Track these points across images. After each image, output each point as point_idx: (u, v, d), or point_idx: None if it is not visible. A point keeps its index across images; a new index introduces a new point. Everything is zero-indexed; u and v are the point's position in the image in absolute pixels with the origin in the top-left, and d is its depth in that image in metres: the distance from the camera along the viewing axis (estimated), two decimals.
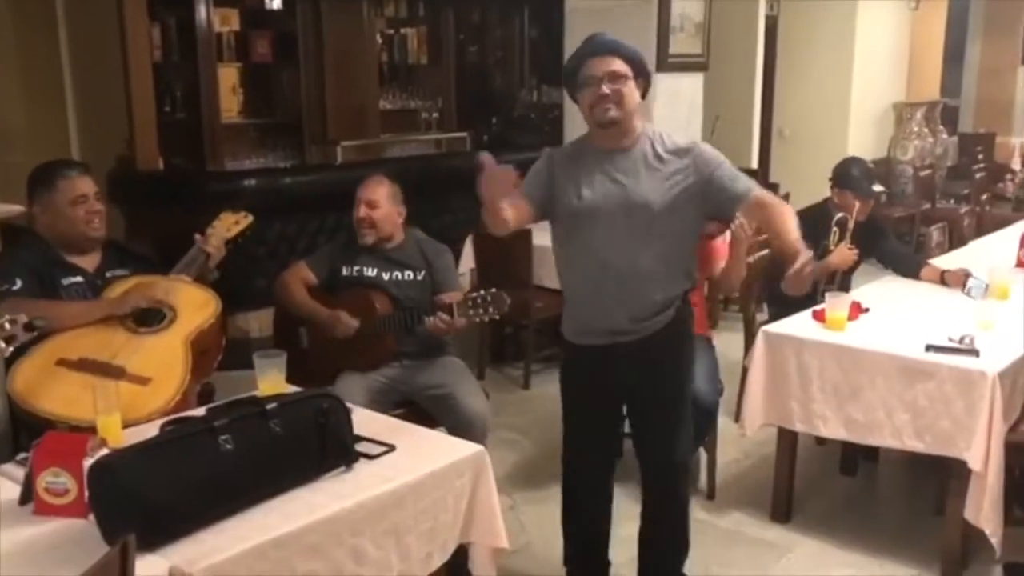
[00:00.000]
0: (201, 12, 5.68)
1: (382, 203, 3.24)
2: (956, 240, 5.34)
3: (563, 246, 2.62)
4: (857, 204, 3.79)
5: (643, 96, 2.52)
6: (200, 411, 2.15)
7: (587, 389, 2.68)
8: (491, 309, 2.91)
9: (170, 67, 5.81)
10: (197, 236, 3.06)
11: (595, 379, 2.64)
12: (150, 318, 2.73)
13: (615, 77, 2.43)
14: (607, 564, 2.89)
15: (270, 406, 1.97)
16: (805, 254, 2.33)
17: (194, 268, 3.00)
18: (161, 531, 1.72)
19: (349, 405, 2.22)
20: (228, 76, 6.30)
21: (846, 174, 3.91)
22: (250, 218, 3.20)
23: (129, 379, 2.50)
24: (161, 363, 2.59)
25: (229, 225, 3.14)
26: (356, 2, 6.71)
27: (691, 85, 5.66)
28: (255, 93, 6.53)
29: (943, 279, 3.76)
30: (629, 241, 2.46)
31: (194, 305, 2.80)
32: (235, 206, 3.27)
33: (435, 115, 7.72)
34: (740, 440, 3.70)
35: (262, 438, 1.92)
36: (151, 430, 2.01)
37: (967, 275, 3.67)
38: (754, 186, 2.49)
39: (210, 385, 2.99)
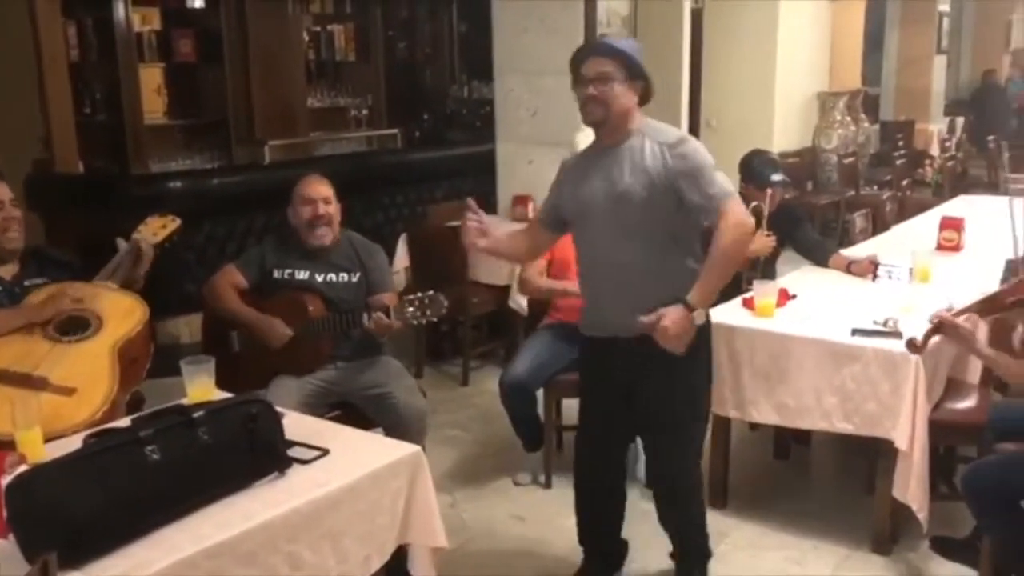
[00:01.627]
0: (119, 11, 5.54)
1: (333, 199, 3.21)
2: (879, 225, 5.48)
3: (574, 243, 2.74)
4: (768, 192, 3.87)
5: (645, 97, 2.56)
6: (124, 422, 2.09)
7: (594, 381, 2.77)
8: (428, 312, 2.89)
9: (88, 67, 5.66)
10: (120, 240, 2.98)
11: (599, 372, 2.72)
12: (74, 327, 2.66)
13: (602, 79, 2.47)
14: (623, 543, 2.98)
15: (197, 414, 1.93)
16: (669, 315, 2.42)
17: (121, 273, 2.92)
18: (85, 547, 1.67)
19: (281, 410, 2.19)
20: (151, 76, 6.16)
21: (747, 166, 4.00)
22: (177, 221, 3.13)
23: (53, 390, 2.43)
24: (87, 373, 2.52)
25: (156, 229, 3.07)
26: None
27: None
28: (179, 93, 6.40)
29: (849, 268, 3.86)
30: (617, 235, 2.52)
31: (120, 312, 2.73)
32: (161, 209, 3.20)
33: (365, 112, 7.66)
34: None
35: (190, 447, 1.88)
36: (75, 443, 1.96)
37: (874, 264, 3.77)
38: (726, 202, 2.44)
39: (139, 394, 2.92)
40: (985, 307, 2.64)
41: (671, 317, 2.42)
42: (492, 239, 2.76)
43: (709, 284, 2.47)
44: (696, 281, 2.48)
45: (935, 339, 2.69)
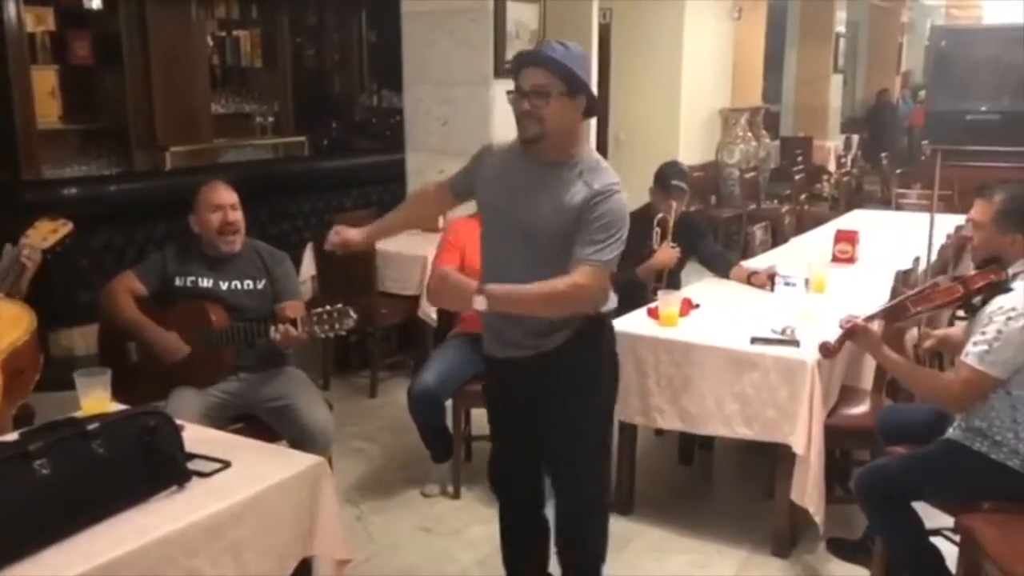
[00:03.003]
0: (10, 10, 5.31)
1: (238, 205, 3.14)
2: (779, 238, 5.66)
3: (482, 253, 2.56)
4: (673, 203, 3.97)
5: (588, 112, 2.37)
6: (13, 435, 2.00)
7: (498, 404, 2.63)
8: (336, 325, 2.84)
9: None
10: (8, 245, 2.85)
11: (500, 394, 2.59)
12: None
13: (537, 93, 2.27)
14: None
15: (91, 426, 1.86)
16: None
17: (7, 281, 2.79)
18: None
19: (181, 422, 2.13)
20: (44, 79, 5.93)
21: (658, 171, 4.15)
22: (69, 225, 3.01)
23: None
24: None
25: (46, 234, 2.95)
26: (184, 2, 6.46)
27: None
28: (75, 97, 6.18)
29: (750, 280, 3.98)
30: (520, 257, 2.36)
31: (5, 321, 2.61)
32: (55, 215, 3.08)
33: (271, 119, 7.54)
34: None
35: (83, 460, 1.81)
36: None
37: (772, 275, 3.91)
38: (583, 266, 2.27)
39: (29, 408, 2.79)
40: (892, 314, 2.76)
41: (453, 274, 2.36)
42: (367, 228, 2.69)
43: (512, 294, 2.29)
44: (585, 313, 2.38)
45: (846, 343, 2.79)
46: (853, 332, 2.72)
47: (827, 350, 2.78)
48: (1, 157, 5.39)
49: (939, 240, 4.69)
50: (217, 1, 7.03)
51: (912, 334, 3.16)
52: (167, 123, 6.29)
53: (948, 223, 5.12)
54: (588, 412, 2.50)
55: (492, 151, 2.53)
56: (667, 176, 4.07)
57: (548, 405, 2.48)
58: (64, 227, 2.97)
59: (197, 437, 2.20)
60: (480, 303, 2.27)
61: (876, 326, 2.73)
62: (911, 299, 2.73)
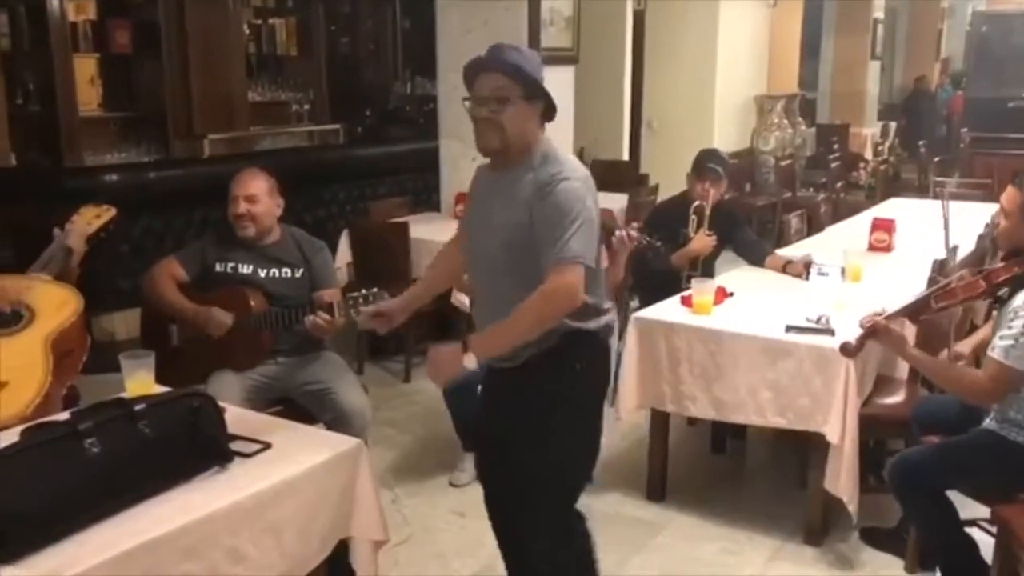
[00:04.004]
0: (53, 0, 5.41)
1: (261, 197, 3.17)
2: (814, 226, 5.62)
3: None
4: (711, 190, 3.96)
5: (546, 115, 2.24)
6: (64, 415, 2.06)
7: (478, 413, 2.55)
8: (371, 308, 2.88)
9: (21, 57, 5.51)
10: (56, 230, 2.92)
11: (482, 402, 2.51)
12: (5, 320, 2.60)
13: (496, 100, 2.16)
14: None
15: (138, 407, 1.91)
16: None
17: (54, 266, 2.87)
18: (21, 542, 1.64)
19: (222, 404, 2.17)
20: (86, 67, 6.02)
21: (696, 160, 4.13)
22: (112, 211, 3.08)
23: None
24: (18, 365, 2.47)
25: (90, 219, 3.02)
26: None
27: (562, 78, 5.74)
28: (115, 85, 6.27)
29: (785, 268, 3.96)
30: (491, 266, 2.27)
31: (53, 304, 2.68)
32: (97, 202, 3.14)
33: (306, 107, 7.59)
34: (616, 423, 3.80)
35: (130, 440, 1.86)
36: (12, 436, 1.92)
37: (807, 264, 3.89)
38: (559, 266, 2.10)
39: (75, 390, 2.87)
40: (914, 311, 2.73)
41: (441, 348, 2.27)
42: (402, 299, 2.50)
43: (495, 337, 2.20)
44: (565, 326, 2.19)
45: (868, 342, 2.77)
46: (874, 331, 2.68)
47: (848, 350, 2.75)
48: (44, 144, 5.49)
49: (978, 230, 4.64)
50: None
51: (943, 356, 3.11)
52: (204, 111, 6.36)
53: (987, 212, 5.04)
54: (544, 424, 2.27)
55: (479, 173, 2.42)
56: (704, 161, 4.06)
57: (508, 418, 2.32)
58: (107, 213, 3.04)
59: (238, 419, 2.25)
60: (471, 361, 2.25)
61: (898, 324, 2.70)
62: (934, 295, 2.70)
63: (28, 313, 2.62)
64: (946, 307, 2.70)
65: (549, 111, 2.25)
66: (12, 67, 5.34)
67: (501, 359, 2.27)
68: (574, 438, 2.32)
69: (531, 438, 2.28)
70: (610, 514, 3.44)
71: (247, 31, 7.06)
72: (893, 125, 12.18)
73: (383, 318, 2.46)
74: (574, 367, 2.25)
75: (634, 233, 3.09)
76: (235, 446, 2.10)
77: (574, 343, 2.22)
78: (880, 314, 2.71)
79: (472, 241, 2.35)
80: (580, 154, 6.96)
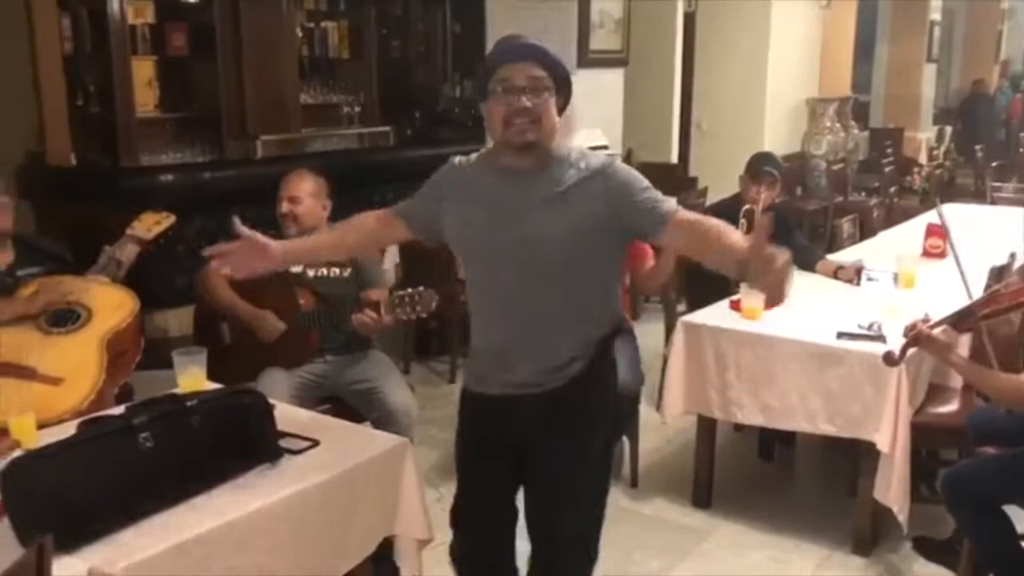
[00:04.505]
0: (114, 3, 5.51)
1: (304, 198, 3.22)
2: (866, 231, 5.53)
3: (467, 278, 2.24)
4: (763, 192, 3.92)
5: (560, 114, 2.07)
6: (118, 409, 2.11)
7: (483, 444, 2.21)
8: (419, 308, 2.91)
9: (82, 60, 5.64)
10: (106, 247, 3.00)
11: (491, 433, 2.18)
12: (64, 318, 2.67)
13: (537, 89, 1.99)
14: None
15: (190, 403, 1.95)
16: (779, 255, 1.79)
17: (107, 273, 2.95)
18: (79, 531, 1.69)
19: (272, 401, 2.21)
20: (143, 69, 6.13)
21: (750, 162, 4.10)
22: (172, 218, 3.15)
23: (40, 379, 2.45)
24: (74, 363, 2.54)
25: (150, 225, 3.09)
26: None
27: (612, 81, 5.75)
28: (171, 87, 6.38)
29: (836, 274, 3.90)
30: (530, 282, 2.03)
31: (110, 305, 2.75)
32: (152, 202, 3.22)
33: (357, 109, 7.65)
34: (661, 428, 3.78)
35: (183, 435, 1.90)
36: (69, 430, 1.97)
37: (859, 269, 3.83)
38: (678, 208, 2.04)
39: (128, 386, 2.94)
40: (959, 319, 2.66)
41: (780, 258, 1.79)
42: (284, 245, 2.29)
43: (737, 234, 1.96)
44: (602, 334, 2.11)
45: (911, 351, 2.71)
46: (917, 340, 2.63)
47: (891, 359, 2.69)
48: (103, 145, 5.61)
49: None
50: None
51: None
52: (258, 112, 6.44)
53: None
54: (589, 445, 2.14)
55: (462, 170, 2.19)
56: (759, 163, 4.03)
57: (545, 442, 2.13)
58: (167, 219, 3.11)
59: (287, 416, 2.28)
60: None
61: (943, 333, 2.64)
62: (978, 303, 2.63)
63: (86, 313, 2.69)
64: (991, 314, 2.62)
65: (564, 106, 2.09)
66: (73, 69, 5.46)
67: (533, 386, 2.08)
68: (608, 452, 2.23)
69: (586, 461, 2.14)
70: (655, 519, 3.43)
71: (300, 34, 7.15)
72: (949, 129, 11.95)
73: (256, 247, 2.18)
74: (608, 379, 2.17)
75: None
76: (284, 443, 2.13)
77: (604, 353, 2.13)
78: (926, 321, 2.66)
79: (495, 258, 2.05)
80: (628, 156, 6.93)
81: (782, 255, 1.79)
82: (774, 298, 1.84)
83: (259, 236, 2.21)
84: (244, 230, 2.20)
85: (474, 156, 2.21)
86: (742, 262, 1.84)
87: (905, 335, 2.66)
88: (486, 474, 2.22)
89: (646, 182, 2.06)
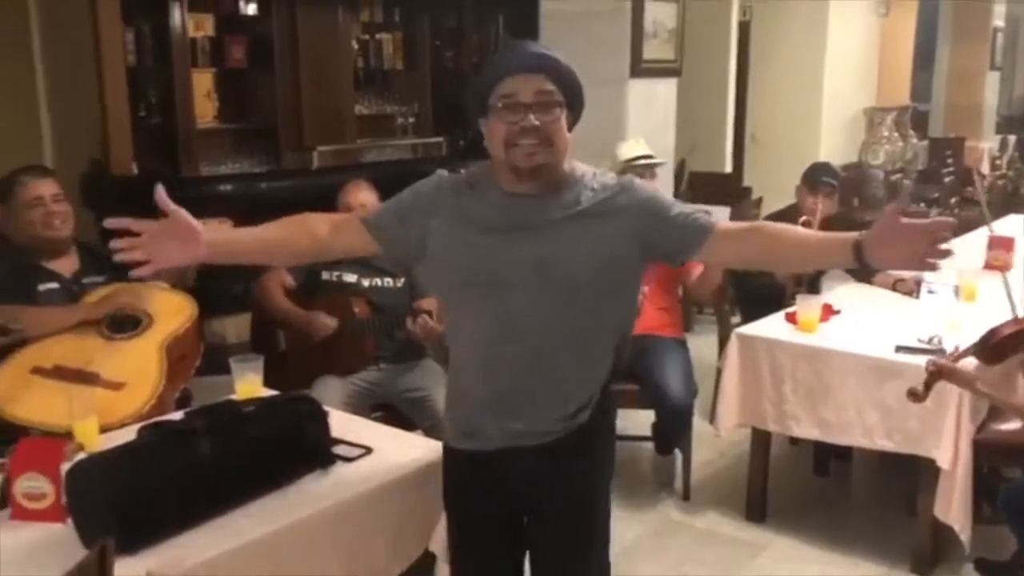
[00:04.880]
0: (176, 18, 5.66)
1: (370, 207, 3.26)
2: None
3: (450, 314, 1.98)
4: (820, 203, 3.87)
5: (570, 130, 1.86)
6: (178, 415, 2.15)
7: (480, 508, 1.97)
8: None
9: (144, 72, 5.78)
10: None
11: (487, 495, 1.94)
12: (125, 324, 2.73)
13: (547, 105, 1.78)
14: None
15: (247, 409, 1.98)
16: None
17: (171, 275, 3.00)
18: (140, 534, 1.72)
19: (326, 408, 2.23)
20: (203, 81, 6.27)
21: (807, 172, 4.06)
22: (230, 225, 3.20)
23: (103, 384, 2.50)
24: (135, 368, 2.59)
25: None
26: (331, 7, 6.70)
27: (665, 91, 5.71)
28: (230, 98, 6.51)
29: (895, 286, 3.83)
30: (543, 307, 1.81)
31: (170, 311, 2.81)
32: (211, 211, 3.26)
33: (411, 120, 7.72)
34: (715, 441, 3.74)
35: (240, 441, 1.93)
36: (130, 435, 2.01)
37: (919, 282, 3.75)
38: (717, 218, 1.91)
39: (187, 391, 2.99)
40: (985, 348, 2.49)
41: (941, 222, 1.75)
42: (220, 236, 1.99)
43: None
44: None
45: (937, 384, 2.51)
46: (939, 374, 2.45)
47: (914, 396, 2.47)
48: (164, 155, 5.75)
49: None
50: (362, 5, 7.26)
51: None
52: (314, 123, 6.54)
53: None
54: (593, 499, 1.97)
55: (455, 190, 1.92)
56: (816, 173, 3.98)
57: (548, 499, 1.93)
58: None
59: (341, 423, 2.30)
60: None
61: (969, 364, 2.52)
62: (1002, 327, 2.47)
63: (146, 319, 2.75)
64: (1016, 338, 2.45)
65: (572, 124, 1.88)
66: (136, 81, 5.60)
67: (543, 431, 1.87)
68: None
69: (593, 526, 1.98)
70: (708, 532, 3.39)
71: (355, 46, 7.24)
72: (1012, 139, 11.65)
73: (183, 228, 1.84)
74: (612, 422, 2.04)
75: None
76: (338, 449, 2.15)
77: (608, 394, 1.96)
78: (952, 354, 2.55)
79: (505, 285, 1.81)
80: (681, 166, 6.89)
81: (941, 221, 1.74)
82: (931, 253, 1.75)
83: (187, 215, 1.82)
84: (171, 204, 1.81)
85: (464, 174, 1.96)
86: (868, 235, 1.74)
87: (927, 369, 2.49)
88: (489, 548, 2.00)
89: (672, 198, 1.94)
